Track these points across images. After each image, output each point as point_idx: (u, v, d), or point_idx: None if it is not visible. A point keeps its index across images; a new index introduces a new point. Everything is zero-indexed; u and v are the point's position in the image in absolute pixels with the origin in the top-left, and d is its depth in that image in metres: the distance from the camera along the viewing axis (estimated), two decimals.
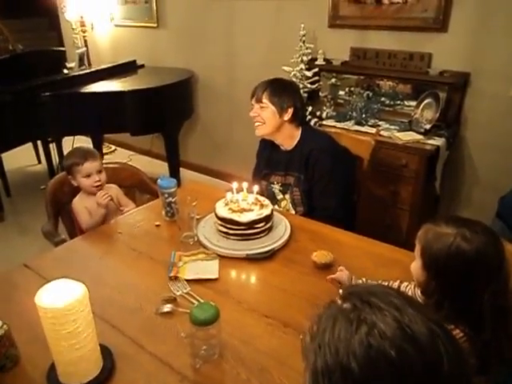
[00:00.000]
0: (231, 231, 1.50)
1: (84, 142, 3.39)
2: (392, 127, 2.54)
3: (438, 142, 2.34)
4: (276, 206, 1.93)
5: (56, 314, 0.89)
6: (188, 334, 1.05)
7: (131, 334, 1.15)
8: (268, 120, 1.84)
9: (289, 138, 1.88)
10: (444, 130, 2.44)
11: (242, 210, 1.52)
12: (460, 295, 0.95)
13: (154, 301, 1.26)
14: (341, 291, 1.24)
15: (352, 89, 2.81)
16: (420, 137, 2.36)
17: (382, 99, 2.70)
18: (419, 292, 1.12)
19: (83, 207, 1.81)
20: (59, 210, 1.99)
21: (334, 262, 1.40)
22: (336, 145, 1.91)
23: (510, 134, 2.43)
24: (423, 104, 2.46)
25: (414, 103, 2.63)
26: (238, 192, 1.62)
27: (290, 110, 1.82)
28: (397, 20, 2.59)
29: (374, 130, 2.46)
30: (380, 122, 2.61)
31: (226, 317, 1.09)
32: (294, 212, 1.90)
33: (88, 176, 1.79)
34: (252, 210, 1.53)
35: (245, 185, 1.61)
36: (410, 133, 2.42)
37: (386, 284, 1.24)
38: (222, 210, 1.54)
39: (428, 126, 2.40)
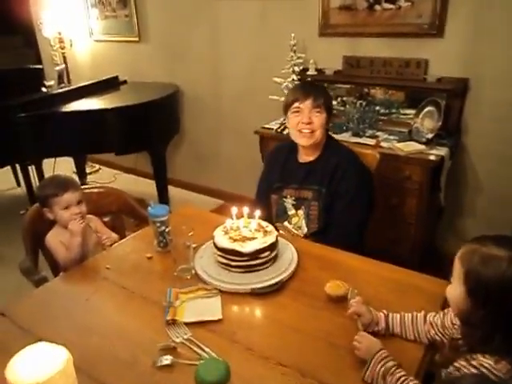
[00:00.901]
0: (233, 263, 1.35)
1: (66, 162, 3.21)
2: (391, 137, 2.43)
3: (441, 151, 2.23)
4: (286, 223, 1.78)
5: None
6: None
7: None
8: (321, 128, 1.67)
9: (316, 148, 1.72)
10: (446, 139, 2.34)
11: (244, 239, 1.37)
12: None
13: (151, 351, 1.09)
14: (360, 325, 1.12)
15: (344, 98, 2.71)
16: (422, 147, 2.25)
17: (377, 108, 2.60)
18: (456, 321, 0.99)
19: (58, 242, 1.62)
20: (39, 242, 1.81)
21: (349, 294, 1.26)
22: (360, 159, 1.76)
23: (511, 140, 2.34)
24: (423, 112, 2.36)
25: (409, 111, 2.53)
26: (238, 218, 1.47)
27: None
28: (390, 26, 2.49)
29: (373, 142, 2.34)
30: (378, 133, 2.50)
31: (236, 368, 0.94)
32: (305, 229, 1.74)
33: (67, 208, 1.61)
34: (255, 238, 1.38)
35: (246, 210, 1.46)
36: (411, 143, 2.31)
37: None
38: (222, 240, 1.38)
39: (430, 136, 2.29)
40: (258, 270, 1.36)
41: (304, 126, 1.65)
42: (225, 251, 1.35)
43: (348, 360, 1.05)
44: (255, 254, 1.34)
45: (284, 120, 2.63)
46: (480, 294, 0.87)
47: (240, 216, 1.47)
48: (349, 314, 1.14)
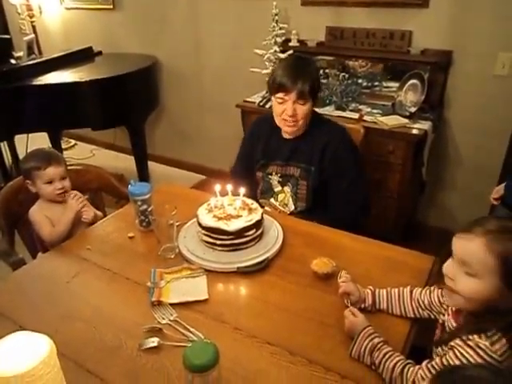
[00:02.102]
0: (218, 241, 1.32)
1: (40, 138, 3.09)
2: (374, 111, 2.41)
3: (424, 125, 2.23)
4: (272, 200, 1.75)
5: (14, 383, 0.69)
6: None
7: (112, 380, 0.96)
8: (306, 117, 1.60)
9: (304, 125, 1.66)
10: (429, 113, 2.33)
11: (229, 217, 1.34)
12: None
13: (136, 334, 1.07)
14: (347, 302, 1.12)
15: (327, 70, 2.66)
16: (406, 121, 2.24)
17: (359, 81, 2.56)
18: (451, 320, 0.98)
19: (43, 216, 1.58)
20: (15, 222, 1.75)
21: (336, 271, 1.25)
22: (350, 135, 1.72)
23: (494, 114, 2.35)
24: (407, 86, 2.34)
25: (392, 84, 2.51)
26: (222, 195, 1.43)
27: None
28: None
29: (356, 115, 2.32)
30: (361, 106, 2.47)
31: (224, 349, 0.92)
32: (292, 207, 1.71)
33: (50, 182, 1.57)
34: (240, 216, 1.35)
35: (229, 187, 1.43)
36: (395, 117, 2.29)
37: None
38: (206, 218, 1.35)
39: (413, 109, 2.27)
40: (244, 249, 1.34)
41: (287, 118, 1.59)
42: (209, 230, 1.32)
43: (337, 338, 1.05)
44: (240, 233, 1.31)
45: (266, 93, 2.57)
46: None
47: (224, 194, 1.43)
48: (340, 294, 1.14)
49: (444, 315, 1.02)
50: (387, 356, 0.95)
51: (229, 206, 1.40)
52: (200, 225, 1.36)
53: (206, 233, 1.34)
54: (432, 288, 1.12)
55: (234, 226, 1.31)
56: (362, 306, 1.13)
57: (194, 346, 0.88)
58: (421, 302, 1.10)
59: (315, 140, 1.65)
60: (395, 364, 0.93)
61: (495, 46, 2.23)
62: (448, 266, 0.91)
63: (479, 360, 0.81)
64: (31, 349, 0.73)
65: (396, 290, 1.15)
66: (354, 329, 1.02)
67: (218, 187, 1.43)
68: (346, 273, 1.20)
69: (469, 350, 0.83)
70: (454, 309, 0.98)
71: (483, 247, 0.84)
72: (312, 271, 1.26)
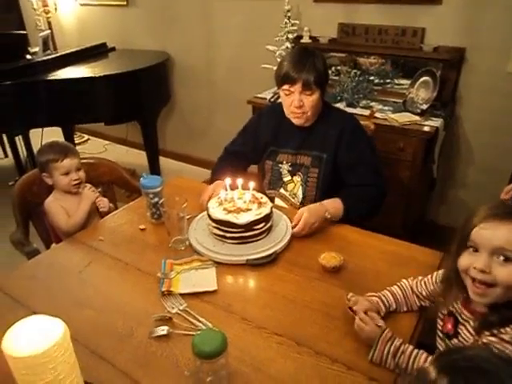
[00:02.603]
0: (228, 234, 1.34)
1: (54, 132, 3.13)
2: (386, 108, 2.40)
3: (436, 122, 2.22)
4: (282, 190, 1.74)
5: (30, 363, 0.72)
6: (192, 370, 0.90)
7: (123, 366, 0.99)
8: (312, 108, 1.59)
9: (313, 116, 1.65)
10: (440, 110, 2.32)
11: (239, 210, 1.36)
12: None
13: (147, 322, 1.09)
14: (349, 302, 1.10)
15: (339, 67, 2.66)
16: (417, 118, 2.23)
17: (371, 78, 2.56)
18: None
19: (59, 206, 1.62)
20: (29, 214, 1.79)
21: (344, 265, 1.27)
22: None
23: (506, 112, 2.33)
24: (418, 83, 2.33)
25: (404, 81, 2.50)
26: (232, 189, 1.45)
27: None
28: None
29: (367, 112, 2.31)
30: (372, 103, 2.47)
31: (232, 338, 0.94)
32: (301, 197, 1.69)
33: (66, 174, 1.61)
34: (250, 210, 1.37)
35: (240, 181, 1.45)
36: (406, 114, 2.29)
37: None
38: (217, 211, 1.37)
39: (424, 106, 2.27)
40: (253, 242, 1.35)
41: (295, 110, 1.59)
42: (219, 223, 1.34)
43: (343, 329, 1.07)
44: (250, 226, 1.33)
45: (278, 89, 2.57)
46: None
47: (234, 187, 1.45)
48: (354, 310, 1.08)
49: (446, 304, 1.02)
50: (414, 355, 0.93)
51: (239, 200, 1.41)
52: (210, 217, 1.38)
53: (216, 225, 1.36)
54: (427, 278, 1.12)
55: (243, 219, 1.33)
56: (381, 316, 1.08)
57: (203, 334, 0.90)
58: (419, 295, 1.11)
59: (328, 127, 1.63)
60: (425, 360, 0.91)
61: (509, 44, 2.21)
62: (478, 262, 0.87)
63: None
64: (46, 331, 0.75)
65: (397, 288, 1.14)
66: (371, 336, 0.99)
67: (228, 181, 1.45)
68: (351, 295, 1.12)
69: (507, 345, 0.82)
70: (462, 298, 0.97)
71: None
72: (320, 265, 1.27)
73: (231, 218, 1.33)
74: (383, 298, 1.12)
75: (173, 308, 1.14)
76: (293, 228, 1.41)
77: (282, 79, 1.58)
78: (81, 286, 1.25)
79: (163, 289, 1.19)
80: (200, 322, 1.09)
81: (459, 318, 0.98)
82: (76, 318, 1.10)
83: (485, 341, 0.86)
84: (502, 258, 0.85)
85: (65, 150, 1.64)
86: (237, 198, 1.42)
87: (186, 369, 0.96)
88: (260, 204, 1.40)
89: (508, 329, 0.84)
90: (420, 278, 1.13)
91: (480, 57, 2.31)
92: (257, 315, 1.12)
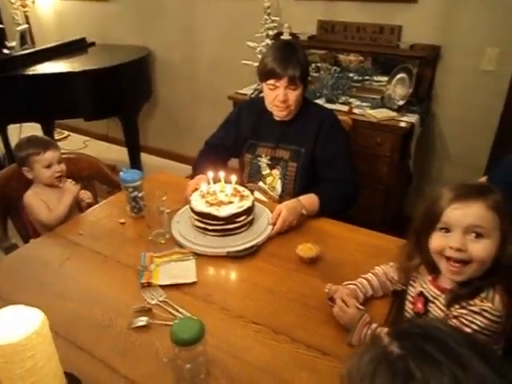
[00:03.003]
0: (209, 227, 1.36)
1: (32, 128, 3.09)
2: (364, 104, 2.45)
3: (411, 118, 2.27)
4: (261, 183, 1.76)
5: (8, 351, 0.73)
6: (171, 357, 0.92)
7: (102, 356, 1.00)
8: (297, 102, 1.62)
9: (295, 109, 1.67)
10: (416, 106, 2.37)
11: (221, 203, 1.38)
12: None
13: (126, 313, 1.11)
14: (327, 290, 1.14)
15: (319, 64, 2.69)
16: (394, 114, 2.28)
17: (351, 75, 2.60)
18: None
19: (39, 200, 1.61)
20: (8, 209, 1.77)
21: (321, 255, 1.30)
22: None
23: (479, 108, 2.40)
24: (395, 79, 2.38)
25: (383, 78, 2.55)
26: (214, 182, 1.47)
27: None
28: None
29: (346, 108, 2.36)
30: (351, 99, 2.51)
31: (210, 327, 0.96)
32: (280, 190, 1.72)
33: (48, 167, 1.61)
34: (232, 203, 1.39)
35: (222, 174, 1.46)
36: (383, 110, 2.33)
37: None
38: (199, 204, 1.39)
39: (401, 103, 2.32)
40: (234, 234, 1.37)
41: (279, 104, 1.61)
42: (201, 215, 1.36)
43: (319, 318, 1.10)
44: (231, 218, 1.35)
45: (259, 85, 2.60)
46: None
47: (216, 181, 1.47)
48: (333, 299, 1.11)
49: (414, 286, 1.06)
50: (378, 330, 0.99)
51: (220, 193, 1.43)
52: (192, 210, 1.39)
53: (198, 218, 1.38)
54: (392, 264, 1.17)
55: (224, 211, 1.35)
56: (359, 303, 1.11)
57: (181, 322, 0.92)
58: (391, 279, 1.16)
59: (307, 121, 1.66)
60: None
61: (482, 42, 2.28)
62: (453, 241, 0.90)
63: (488, 323, 0.86)
64: (24, 320, 0.76)
65: (372, 275, 1.17)
66: (351, 321, 1.03)
67: (210, 174, 1.47)
68: (330, 285, 1.14)
69: (476, 316, 0.87)
70: (430, 277, 1.02)
71: (485, 207, 0.88)
72: (297, 256, 1.30)
73: (213, 210, 1.35)
74: (360, 286, 1.16)
75: (152, 299, 1.16)
76: (272, 225, 1.42)
77: (268, 74, 1.60)
78: (60, 279, 1.25)
79: (143, 280, 1.21)
80: (179, 312, 1.11)
81: (429, 297, 1.02)
82: (55, 310, 1.10)
83: (455, 314, 0.91)
84: (473, 234, 0.89)
85: (45, 143, 1.64)
86: (219, 191, 1.44)
87: (164, 357, 0.98)
88: (242, 197, 1.42)
89: (476, 300, 0.89)
90: (391, 263, 1.17)
91: (455, 55, 2.37)
92: (236, 305, 1.15)
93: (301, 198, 1.51)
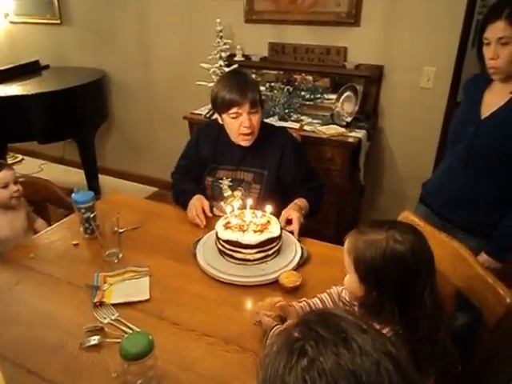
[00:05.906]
0: (237, 254, 1.39)
1: None
2: (314, 121, 2.55)
3: (359, 134, 2.39)
4: (222, 203, 1.77)
5: None
6: (119, 372, 0.94)
7: (52, 377, 1.00)
8: (258, 125, 1.68)
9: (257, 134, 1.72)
10: (364, 122, 2.50)
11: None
12: (403, 297, 0.92)
13: (78, 333, 1.11)
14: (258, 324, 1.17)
15: (272, 84, 2.80)
16: (342, 130, 2.40)
17: (303, 93, 2.71)
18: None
19: None
20: None
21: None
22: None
23: (422, 123, 2.56)
24: (343, 97, 2.51)
25: (333, 96, 2.67)
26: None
27: None
28: (312, 15, 2.60)
29: (297, 125, 2.45)
30: (302, 117, 2.61)
31: (162, 342, 0.99)
32: None
33: (5, 187, 1.60)
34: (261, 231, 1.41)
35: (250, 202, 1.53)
36: (333, 126, 2.45)
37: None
38: (224, 232, 1.42)
39: (349, 119, 2.44)
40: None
41: (245, 130, 1.64)
42: (228, 242, 1.38)
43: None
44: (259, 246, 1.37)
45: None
46: (371, 277, 0.94)
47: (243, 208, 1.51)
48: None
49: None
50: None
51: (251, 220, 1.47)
52: (217, 236, 1.43)
53: (224, 244, 1.40)
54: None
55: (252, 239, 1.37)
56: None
57: (130, 337, 0.94)
58: (344, 300, 1.20)
59: (267, 144, 1.72)
60: None
61: (420, 61, 2.45)
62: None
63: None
64: None
65: (326, 295, 1.22)
66: (269, 326, 1.09)
67: (229, 208, 1.53)
68: (279, 299, 1.17)
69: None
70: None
71: (346, 248, 1.00)
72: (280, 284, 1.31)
73: (240, 236, 1.37)
74: (312, 306, 1.19)
75: (105, 318, 1.17)
76: (282, 228, 1.49)
77: (228, 105, 1.61)
78: (10, 303, 1.24)
79: (95, 300, 1.22)
80: (131, 329, 1.13)
81: None
82: (4, 334, 1.10)
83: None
84: None
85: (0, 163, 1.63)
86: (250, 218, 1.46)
87: (113, 372, 0.99)
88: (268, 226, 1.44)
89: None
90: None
91: (396, 73, 2.53)
92: (188, 319, 1.18)
93: (297, 201, 1.66)
